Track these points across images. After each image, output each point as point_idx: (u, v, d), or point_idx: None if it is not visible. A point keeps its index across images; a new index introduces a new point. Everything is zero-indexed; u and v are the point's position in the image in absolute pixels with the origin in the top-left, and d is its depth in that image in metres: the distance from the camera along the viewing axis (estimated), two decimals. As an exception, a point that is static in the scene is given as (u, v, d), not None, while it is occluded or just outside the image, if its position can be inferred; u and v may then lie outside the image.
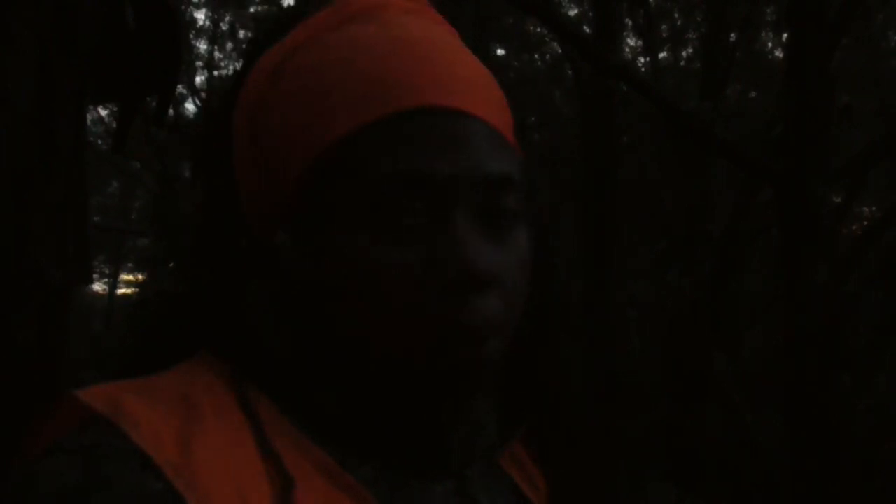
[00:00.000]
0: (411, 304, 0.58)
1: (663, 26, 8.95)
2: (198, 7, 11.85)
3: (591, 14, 8.11)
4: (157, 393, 0.58)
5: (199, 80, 12.44)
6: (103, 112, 10.65)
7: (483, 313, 0.58)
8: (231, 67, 12.35)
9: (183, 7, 10.10)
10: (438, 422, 0.62)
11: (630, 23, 8.46)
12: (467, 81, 0.62)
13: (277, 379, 0.61)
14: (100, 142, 10.04)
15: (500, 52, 9.79)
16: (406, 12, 0.66)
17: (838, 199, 6.18)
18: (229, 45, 12.30)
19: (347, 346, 0.61)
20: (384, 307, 0.58)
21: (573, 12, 9.33)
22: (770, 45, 8.92)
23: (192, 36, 11.64)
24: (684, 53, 9.55)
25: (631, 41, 9.92)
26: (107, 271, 17.08)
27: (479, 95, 0.62)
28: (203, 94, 12.27)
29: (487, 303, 0.59)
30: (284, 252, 0.62)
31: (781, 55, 7.91)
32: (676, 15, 8.71)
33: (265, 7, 10.82)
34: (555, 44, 8.64)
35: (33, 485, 0.53)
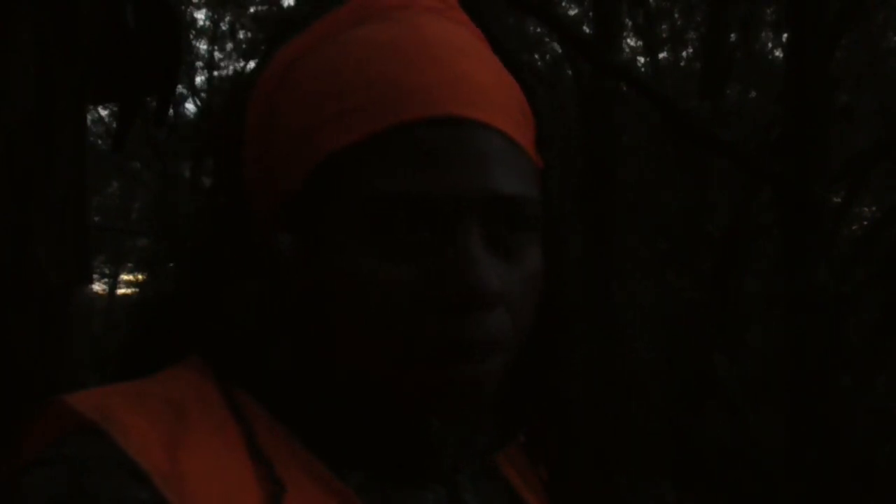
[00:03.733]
0: (410, 321, 0.56)
1: (663, 26, 8.94)
2: (198, 7, 11.83)
3: (591, 14, 8.10)
4: (147, 398, 0.57)
5: (199, 80, 12.43)
6: (103, 112, 10.65)
7: (488, 330, 0.56)
8: (231, 67, 12.35)
9: (183, 7, 10.10)
10: (431, 431, 0.61)
11: (630, 23, 8.46)
12: (486, 89, 0.58)
13: (268, 383, 0.60)
14: (100, 142, 10.03)
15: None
16: (429, 11, 0.63)
17: (838, 199, 6.19)
18: (229, 46, 12.29)
19: (342, 355, 0.60)
20: (383, 323, 0.56)
21: (573, 12, 9.32)
22: (770, 45, 8.91)
23: (192, 36, 11.63)
24: (684, 53, 9.54)
25: (631, 41, 9.91)
26: (107, 271, 17.06)
27: (498, 105, 0.59)
28: (203, 94, 12.26)
29: (494, 320, 0.57)
30: (284, 255, 0.61)
31: (781, 55, 7.91)
32: (676, 15, 8.70)
33: (265, 7, 10.82)
34: (555, 44, 8.63)
35: (19, 496, 0.52)
